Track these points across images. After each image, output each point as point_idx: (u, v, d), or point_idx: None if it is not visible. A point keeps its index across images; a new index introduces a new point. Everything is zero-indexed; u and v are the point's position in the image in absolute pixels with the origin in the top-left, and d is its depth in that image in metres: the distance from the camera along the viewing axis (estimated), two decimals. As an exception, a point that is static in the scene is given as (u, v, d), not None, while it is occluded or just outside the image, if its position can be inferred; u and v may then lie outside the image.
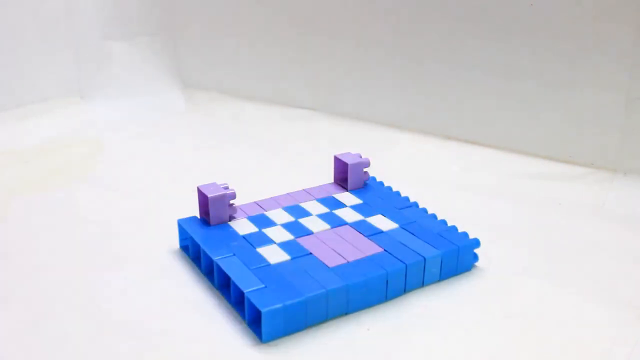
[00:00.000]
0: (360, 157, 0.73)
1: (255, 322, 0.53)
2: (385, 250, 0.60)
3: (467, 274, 0.62)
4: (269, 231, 0.63)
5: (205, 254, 0.60)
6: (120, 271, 0.61)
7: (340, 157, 0.72)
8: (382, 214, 0.67)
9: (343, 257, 0.59)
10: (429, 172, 0.88)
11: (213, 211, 0.63)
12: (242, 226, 0.64)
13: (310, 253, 0.60)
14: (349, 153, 0.73)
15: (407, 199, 0.71)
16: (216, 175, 0.66)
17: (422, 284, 0.60)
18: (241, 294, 0.54)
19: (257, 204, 0.69)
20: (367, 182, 0.74)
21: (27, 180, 0.85)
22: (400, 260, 0.58)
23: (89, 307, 0.56)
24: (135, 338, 0.52)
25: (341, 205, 0.69)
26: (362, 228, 0.64)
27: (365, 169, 0.73)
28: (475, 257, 0.63)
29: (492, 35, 0.91)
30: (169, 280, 0.61)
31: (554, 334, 0.53)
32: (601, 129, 0.86)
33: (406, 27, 0.99)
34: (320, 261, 0.58)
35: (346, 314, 0.56)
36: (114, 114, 1.12)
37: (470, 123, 0.97)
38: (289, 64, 1.14)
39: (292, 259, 0.59)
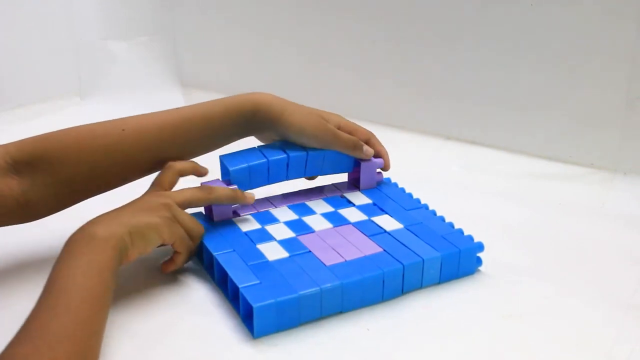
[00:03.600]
0: (375, 157, 0.73)
1: (249, 318, 0.53)
2: (384, 250, 0.60)
3: (457, 279, 0.61)
4: (271, 228, 0.64)
5: (207, 250, 0.60)
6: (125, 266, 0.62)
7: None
8: (389, 215, 0.67)
9: (341, 256, 0.59)
10: (429, 172, 0.88)
11: (216, 207, 0.64)
12: (246, 223, 0.64)
13: (309, 251, 0.60)
14: None
15: (418, 200, 0.70)
16: (218, 173, 0.66)
17: (420, 285, 0.59)
18: (237, 289, 0.54)
19: (268, 200, 0.69)
20: (381, 182, 0.74)
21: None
22: (398, 261, 0.58)
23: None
24: (133, 331, 0.53)
25: (349, 204, 0.69)
26: (365, 228, 0.64)
27: (378, 170, 0.73)
28: (479, 261, 0.62)
29: (492, 36, 0.91)
30: (172, 275, 0.61)
31: (553, 334, 0.53)
32: (601, 129, 0.86)
33: (406, 27, 0.99)
34: (318, 259, 0.58)
35: (341, 312, 0.56)
36: (114, 114, 1.11)
37: (470, 123, 0.97)
38: (289, 64, 1.14)
39: (290, 256, 0.59)
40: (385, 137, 0.99)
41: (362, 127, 0.71)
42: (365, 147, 0.68)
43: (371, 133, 0.71)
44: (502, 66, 0.91)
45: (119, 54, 1.19)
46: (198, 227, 0.59)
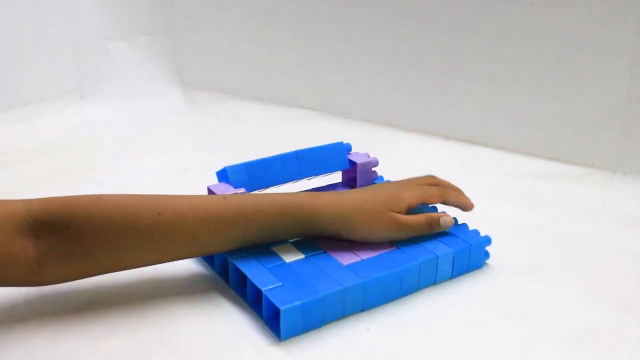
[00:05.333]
0: (369, 156, 0.73)
1: (273, 320, 0.53)
2: (398, 247, 0.60)
3: (467, 273, 0.62)
4: None
5: (219, 254, 0.60)
6: (129, 272, 0.61)
7: (348, 157, 0.72)
8: None
9: (357, 255, 0.59)
10: (429, 172, 0.88)
11: None
12: None
13: (324, 251, 0.60)
14: (357, 152, 0.73)
15: None
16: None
17: (434, 281, 0.60)
18: (258, 293, 0.54)
19: None
20: (376, 181, 0.74)
21: (27, 180, 0.85)
22: (414, 258, 0.58)
23: (100, 307, 0.56)
24: (150, 339, 0.52)
25: None
26: None
27: (373, 168, 0.73)
28: (487, 255, 0.63)
29: (492, 35, 0.91)
30: (180, 280, 0.61)
31: (553, 333, 0.53)
32: (601, 129, 0.86)
33: (406, 27, 0.99)
34: (335, 259, 0.58)
35: (362, 310, 0.56)
36: (114, 114, 1.12)
37: (470, 123, 0.97)
38: (289, 64, 1.14)
39: (306, 257, 0.59)
40: (385, 137, 1.00)
41: (432, 189, 0.65)
42: (443, 219, 0.62)
43: (447, 187, 0.66)
44: (502, 66, 0.91)
45: (119, 54, 1.19)
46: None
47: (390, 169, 0.76)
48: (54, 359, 0.50)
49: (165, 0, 1.22)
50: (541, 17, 0.86)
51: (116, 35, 1.18)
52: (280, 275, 0.56)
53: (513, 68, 0.91)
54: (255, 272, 0.56)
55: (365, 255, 0.59)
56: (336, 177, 0.75)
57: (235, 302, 0.57)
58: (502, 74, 0.92)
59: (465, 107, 0.97)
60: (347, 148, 0.73)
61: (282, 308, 0.51)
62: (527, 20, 0.87)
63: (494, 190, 0.82)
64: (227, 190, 0.64)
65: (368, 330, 0.54)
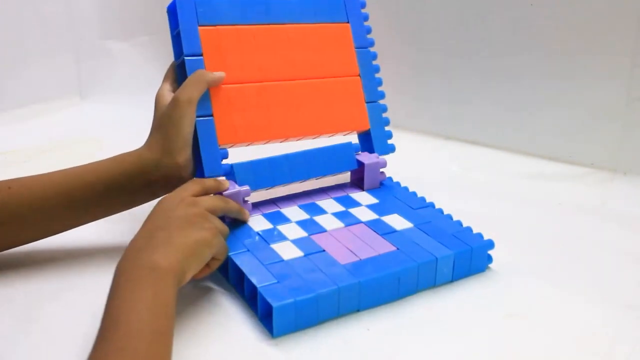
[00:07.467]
0: (377, 157, 0.73)
1: (267, 317, 0.53)
2: (398, 249, 0.60)
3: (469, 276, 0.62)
4: (283, 228, 0.63)
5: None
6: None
7: (357, 157, 0.72)
8: (398, 214, 0.67)
9: (356, 255, 0.59)
10: (429, 172, 0.88)
11: None
12: (257, 223, 0.64)
13: (324, 250, 0.60)
14: (365, 153, 0.73)
15: (423, 199, 0.70)
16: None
17: (434, 283, 0.59)
18: (254, 289, 0.54)
19: (273, 202, 0.69)
20: (384, 182, 0.74)
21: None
22: (412, 259, 0.58)
23: (96, 306, 0.56)
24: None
25: (357, 204, 0.69)
26: (377, 227, 0.64)
27: (381, 169, 0.73)
28: (490, 259, 0.63)
29: (492, 36, 0.91)
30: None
31: (553, 333, 0.53)
32: (601, 129, 0.86)
33: (406, 27, 0.99)
34: (333, 258, 0.58)
35: (358, 311, 0.56)
36: (114, 114, 1.12)
37: (470, 123, 0.97)
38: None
39: (305, 255, 0.59)
40: (385, 137, 1.00)
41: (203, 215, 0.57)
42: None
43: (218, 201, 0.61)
44: (502, 66, 0.92)
45: (119, 54, 1.19)
46: (227, 229, 0.58)
47: (390, 169, 0.76)
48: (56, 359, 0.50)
49: (165, 1, 1.21)
50: (541, 17, 0.86)
51: (116, 35, 1.19)
52: (277, 272, 0.56)
53: (513, 68, 0.91)
54: (252, 268, 0.56)
55: (364, 255, 0.59)
56: (344, 177, 0.75)
57: (233, 298, 0.57)
58: (502, 74, 0.92)
59: (465, 107, 0.97)
60: (356, 148, 0.73)
61: (274, 305, 0.51)
62: (527, 20, 0.87)
63: (494, 190, 0.82)
64: (233, 187, 0.63)
65: (368, 330, 0.54)
